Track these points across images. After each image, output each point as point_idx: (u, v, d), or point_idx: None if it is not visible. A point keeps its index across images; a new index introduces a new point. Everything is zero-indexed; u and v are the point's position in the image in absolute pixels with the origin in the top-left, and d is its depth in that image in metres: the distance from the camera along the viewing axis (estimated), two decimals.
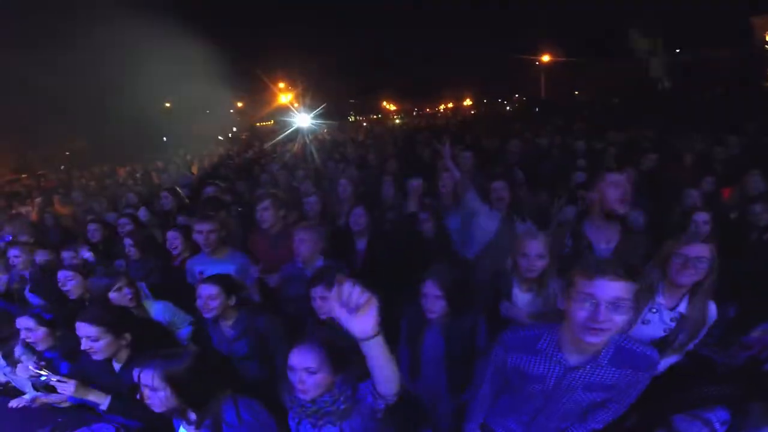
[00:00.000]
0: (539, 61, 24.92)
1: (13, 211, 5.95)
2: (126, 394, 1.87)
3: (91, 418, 2.05)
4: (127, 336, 2.01)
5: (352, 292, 1.04)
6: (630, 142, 6.20)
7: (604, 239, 2.17)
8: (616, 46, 21.48)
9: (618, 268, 1.21)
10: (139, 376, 1.50)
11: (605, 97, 18.62)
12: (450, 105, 34.10)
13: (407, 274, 2.21)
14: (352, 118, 28.81)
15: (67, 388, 1.89)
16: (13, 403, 2.16)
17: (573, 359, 1.38)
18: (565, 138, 6.60)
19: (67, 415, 2.11)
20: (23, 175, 13.96)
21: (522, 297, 2.15)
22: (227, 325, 2.27)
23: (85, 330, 1.91)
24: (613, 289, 1.20)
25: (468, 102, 34.30)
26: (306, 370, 1.41)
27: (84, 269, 2.85)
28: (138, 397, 1.52)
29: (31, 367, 2.02)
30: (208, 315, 2.18)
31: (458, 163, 3.96)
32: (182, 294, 2.82)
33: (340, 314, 1.07)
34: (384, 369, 1.21)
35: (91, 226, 4.13)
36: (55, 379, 1.91)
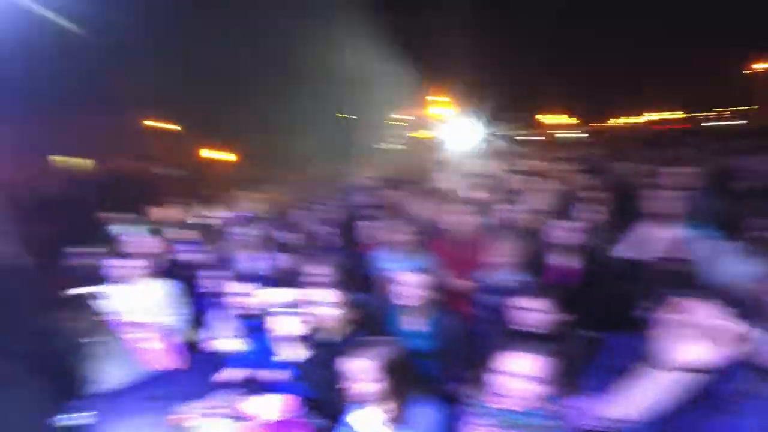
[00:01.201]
0: None
1: None
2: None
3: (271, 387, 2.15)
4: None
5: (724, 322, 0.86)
6: None
7: None
8: None
9: None
10: (354, 361, 1.56)
11: None
12: (653, 116, 28.09)
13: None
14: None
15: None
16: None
17: None
18: None
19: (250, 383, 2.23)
20: None
21: None
22: (418, 322, 2.28)
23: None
24: None
25: (680, 114, 27.81)
26: (530, 378, 1.37)
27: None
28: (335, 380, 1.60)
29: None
30: (408, 303, 2.23)
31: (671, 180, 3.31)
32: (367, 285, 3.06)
33: (684, 335, 0.90)
34: (658, 400, 1.05)
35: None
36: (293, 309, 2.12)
